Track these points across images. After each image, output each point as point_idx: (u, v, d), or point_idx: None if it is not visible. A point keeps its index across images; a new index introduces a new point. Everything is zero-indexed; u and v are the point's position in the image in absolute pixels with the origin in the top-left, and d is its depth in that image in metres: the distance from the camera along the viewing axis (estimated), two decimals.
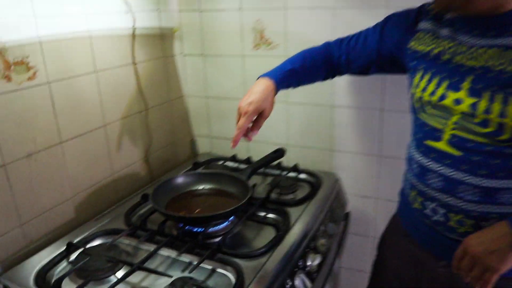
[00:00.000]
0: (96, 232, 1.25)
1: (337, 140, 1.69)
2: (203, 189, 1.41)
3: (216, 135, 1.90)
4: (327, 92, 1.63)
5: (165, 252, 1.16)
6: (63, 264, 1.12)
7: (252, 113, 1.06)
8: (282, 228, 1.21)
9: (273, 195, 1.46)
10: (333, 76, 1.27)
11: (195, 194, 1.38)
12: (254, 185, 1.46)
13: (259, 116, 1.09)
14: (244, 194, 1.27)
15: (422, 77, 1.01)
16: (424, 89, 0.99)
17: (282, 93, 1.71)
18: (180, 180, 1.39)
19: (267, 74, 1.15)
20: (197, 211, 1.27)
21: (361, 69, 1.21)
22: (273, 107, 1.12)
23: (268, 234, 1.22)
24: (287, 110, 1.74)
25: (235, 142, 1.06)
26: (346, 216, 1.60)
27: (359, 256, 1.76)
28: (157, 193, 1.29)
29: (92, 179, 1.45)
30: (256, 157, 1.57)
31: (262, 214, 1.36)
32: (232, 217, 1.28)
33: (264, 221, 1.26)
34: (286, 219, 1.28)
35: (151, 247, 1.17)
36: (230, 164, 1.75)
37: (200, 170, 1.68)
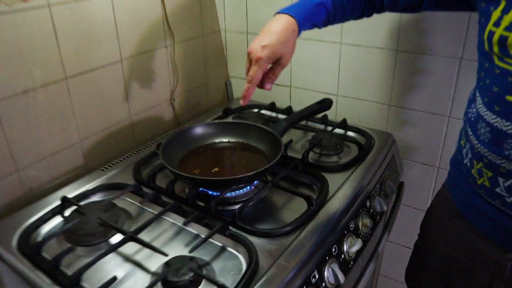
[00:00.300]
0: (97, 186, 1.07)
1: (397, 93, 1.37)
2: (228, 142, 1.18)
3: None
4: (389, 32, 1.30)
5: (170, 218, 0.97)
6: (56, 221, 0.96)
7: (266, 60, 0.85)
8: (316, 202, 0.96)
9: (312, 156, 1.21)
10: (370, 14, 1.02)
11: (217, 148, 1.16)
12: (290, 142, 1.21)
13: (276, 64, 0.89)
14: (275, 152, 1.03)
15: (507, 10, 0.68)
16: (510, 27, 0.68)
17: (333, 31, 1.38)
18: (199, 130, 1.16)
19: (288, 10, 0.90)
20: (214, 170, 1.05)
21: (411, 2, 0.95)
22: (293, 52, 0.91)
23: (299, 207, 0.98)
24: (338, 52, 1.42)
25: (246, 97, 0.88)
26: (400, 187, 1.32)
27: (409, 231, 1.49)
28: (170, 145, 1.08)
29: (104, 122, 1.26)
30: (298, 107, 1.30)
31: (294, 180, 1.12)
32: (255, 182, 1.05)
33: (295, 190, 1.01)
34: (323, 189, 1.03)
35: (156, 210, 0.98)
36: (266, 113, 1.50)
37: (229, 119, 1.45)
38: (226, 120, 1.22)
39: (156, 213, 0.95)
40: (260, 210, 1.01)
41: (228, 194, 1.01)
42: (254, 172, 0.94)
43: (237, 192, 1.02)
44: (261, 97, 1.63)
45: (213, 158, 1.11)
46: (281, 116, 1.44)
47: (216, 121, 1.22)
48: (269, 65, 0.88)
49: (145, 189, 1.05)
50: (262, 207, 1.02)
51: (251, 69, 0.86)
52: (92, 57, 1.17)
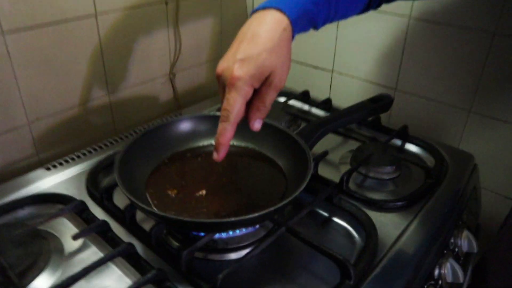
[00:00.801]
0: (29, 197, 0.72)
1: (484, 95, 0.95)
2: (230, 146, 0.80)
3: None
4: (488, 7, 0.87)
5: (120, 267, 0.61)
6: None
7: (248, 80, 0.55)
8: (356, 272, 0.57)
9: (355, 180, 0.81)
10: (378, 5, 0.73)
11: (211, 155, 0.78)
12: (324, 155, 0.82)
13: (264, 86, 0.57)
14: (298, 172, 0.67)
15: None
16: None
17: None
18: (189, 125, 0.78)
19: (275, 4, 0.58)
20: (200, 193, 0.68)
21: None
22: (289, 65, 0.60)
23: (324, 270, 0.60)
24: (405, 30, 1.00)
25: (221, 147, 0.59)
26: (477, 231, 0.91)
27: None
28: (142, 144, 0.71)
29: (67, 99, 0.91)
30: (340, 100, 0.91)
31: (324, 219, 0.73)
32: (262, 223, 0.66)
33: (323, 248, 0.62)
34: (368, 244, 0.64)
35: (104, 248, 0.62)
36: (296, 104, 1.11)
37: None
38: None
39: (101, 256, 0.59)
40: (264, 263, 0.63)
41: (217, 236, 0.64)
42: (258, 213, 0.56)
43: (231, 232, 0.64)
44: (290, 81, 1.23)
45: (203, 170, 0.73)
46: (316, 112, 1.05)
47: (218, 113, 0.82)
48: (253, 89, 0.57)
49: (96, 210, 0.70)
50: (267, 260, 0.64)
51: (226, 99, 0.56)
52: (47, 5, 0.80)
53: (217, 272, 0.56)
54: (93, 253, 0.64)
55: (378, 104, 0.86)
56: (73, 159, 0.85)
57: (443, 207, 0.76)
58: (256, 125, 0.60)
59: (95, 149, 0.89)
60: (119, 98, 1.01)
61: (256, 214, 0.56)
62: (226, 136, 0.57)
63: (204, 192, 0.67)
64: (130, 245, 0.60)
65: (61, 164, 0.83)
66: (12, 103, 0.81)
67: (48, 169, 0.81)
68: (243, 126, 0.79)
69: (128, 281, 0.59)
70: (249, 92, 0.55)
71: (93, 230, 0.63)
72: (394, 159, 0.85)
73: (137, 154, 0.70)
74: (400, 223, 0.70)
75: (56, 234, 0.67)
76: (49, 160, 0.87)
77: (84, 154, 0.87)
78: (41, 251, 0.61)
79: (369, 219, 0.68)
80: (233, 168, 0.74)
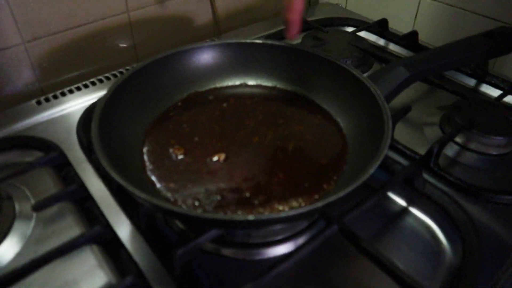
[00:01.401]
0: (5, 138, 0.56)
1: None
2: (264, 88, 0.57)
3: None
4: None
5: (91, 252, 0.43)
6: None
7: None
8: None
9: (449, 152, 0.56)
10: None
11: (237, 98, 0.56)
12: (406, 111, 0.57)
13: None
14: (365, 137, 0.46)
15: None
16: None
17: None
18: (214, 55, 0.56)
19: None
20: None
21: None
22: None
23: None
24: None
25: (290, 30, 0.47)
26: None
27: None
28: (142, 81, 0.50)
29: (74, 17, 0.71)
30: (429, 34, 0.63)
31: (396, 205, 0.50)
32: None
33: (389, 264, 0.40)
34: (469, 260, 0.40)
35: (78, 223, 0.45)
36: (369, 37, 0.83)
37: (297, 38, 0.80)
38: (272, 42, 0.58)
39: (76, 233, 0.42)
40: (301, 270, 0.43)
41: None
42: (297, 211, 0.34)
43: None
44: (363, 6, 0.94)
45: (227, 122, 0.52)
46: (395, 49, 0.78)
47: (254, 40, 0.57)
48: None
49: (86, 166, 0.51)
50: (306, 265, 0.43)
51: None
52: None
53: (229, 279, 0.37)
54: (68, 226, 0.47)
55: (498, 41, 0.57)
56: (73, 91, 0.67)
57: None
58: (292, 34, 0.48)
59: (108, 78, 0.70)
60: (142, 17, 0.79)
61: (294, 212, 0.34)
62: (296, 9, 0.47)
63: (222, 156, 0.46)
64: (107, 229, 0.41)
65: (56, 97, 0.65)
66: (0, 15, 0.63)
67: (39, 103, 0.64)
68: (290, 60, 0.56)
69: (102, 276, 0.41)
70: None
71: (62, 198, 0.45)
72: (508, 125, 0.58)
73: (136, 92, 0.49)
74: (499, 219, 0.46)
75: (27, 193, 0.51)
76: (52, 90, 0.69)
77: (93, 84, 0.69)
78: None
79: (469, 220, 0.45)
80: (270, 122, 0.52)
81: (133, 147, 0.47)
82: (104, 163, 0.37)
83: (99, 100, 0.44)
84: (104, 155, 0.38)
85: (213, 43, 0.55)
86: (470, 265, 0.41)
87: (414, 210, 0.49)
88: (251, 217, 0.33)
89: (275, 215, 0.33)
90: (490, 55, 0.58)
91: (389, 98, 0.50)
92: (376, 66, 0.75)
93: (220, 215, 0.37)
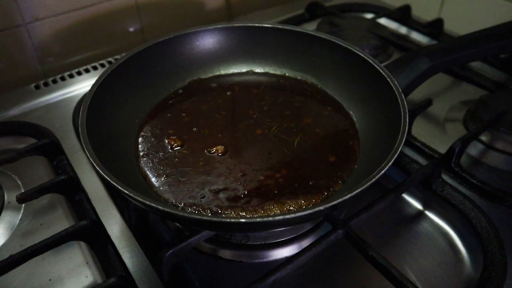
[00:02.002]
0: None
1: None
2: (272, 76, 0.53)
3: None
4: None
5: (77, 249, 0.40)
6: None
7: None
8: None
9: (472, 151, 0.51)
10: None
11: (241, 87, 0.52)
12: (427, 105, 0.52)
13: None
14: (379, 132, 0.42)
15: None
16: None
17: None
18: (219, 39, 0.52)
19: None
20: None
21: None
22: None
23: None
24: None
25: None
26: None
27: None
28: (139, 66, 0.47)
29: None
30: (456, 23, 0.59)
31: (412, 208, 0.45)
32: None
33: (399, 278, 0.36)
34: (491, 273, 0.36)
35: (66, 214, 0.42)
36: (390, 25, 0.78)
37: (311, 25, 0.76)
38: (282, 25, 0.53)
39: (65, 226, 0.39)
40: (303, 274, 0.39)
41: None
42: (302, 212, 0.30)
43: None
44: None
45: (230, 112, 0.48)
46: (418, 38, 0.73)
47: (263, 24, 0.52)
48: None
49: (80, 155, 0.49)
50: (310, 269, 0.40)
51: None
52: None
53: (225, 283, 0.34)
54: (57, 219, 0.44)
55: None
56: (73, 75, 0.64)
57: None
58: None
59: (110, 63, 0.67)
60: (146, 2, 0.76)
61: (298, 214, 0.30)
62: None
63: (221, 149, 0.43)
64: (95, 224, 0.38)
65: (55, 82, 0.62)
66: None
67: (37, 87, 0.61)
68: (301, 49, 0.52)
69: (88, 275, 0.39)
70: None
71: (49, 189, 0.42)
72: None
73: (132, 78, 0.46)
74: None
75: (18, 181, 0.48)
76: (55, 74, 0.67)
77: (95, 68, 0.66)
78: None
79: (492, 228, 0.40)
80: (276, 113, 0.48)
81: (127, 137, 0.43)
82: (89, 152, 0.34)
83: (91, 86, 0.41)
84: (90, 144, 0.35)
85: (218, 25, 0.51)
86: (492, 280, 0.36)
87: (430, 215, 0.45)
88: (242, 220, 0.30)
89: (269, 219, 0.30)
90: None
91: (407, 90, 0.45)
92: (395, 56, 0.70)
93: (207, 216, 0.33)
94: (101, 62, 0.67)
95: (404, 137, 0.36)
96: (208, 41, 0.51)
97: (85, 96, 0.40)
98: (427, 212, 0.45)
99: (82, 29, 0.71)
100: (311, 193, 0.38)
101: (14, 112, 0.57)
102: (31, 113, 0.56)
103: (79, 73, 0.65)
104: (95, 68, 0.66)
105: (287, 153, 0.43)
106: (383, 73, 0.43)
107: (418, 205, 0.46)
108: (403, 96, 0.40)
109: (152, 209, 0.30)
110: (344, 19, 0.76)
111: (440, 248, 0.42)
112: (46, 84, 0.62)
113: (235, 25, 0.52)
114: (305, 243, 0.41)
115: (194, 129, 0.45)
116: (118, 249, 0.39)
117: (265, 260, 0.40)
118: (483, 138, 0.52)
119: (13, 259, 0.35)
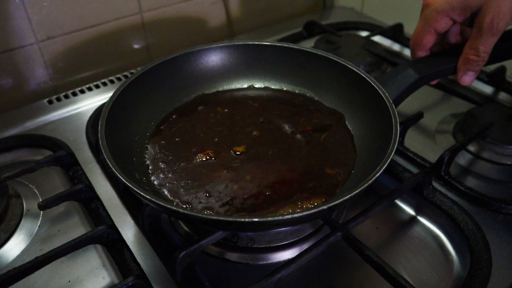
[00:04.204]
0: (13, 137, 0.57)
1: None
2: (272, 91, 0.57)
3: None
4: None
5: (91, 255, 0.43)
6: None
7: (438, 11, 0.47)
8: None
9: (461, 161, 0.55)
10: None
11: (243, 101, 0.56)
12: (418, 118, 0.56)
13: (476, 27, 0.45)
14: (373, 141, 0.46)
15: None
16: None
17: None
18: (223, 56, 0.56)
19: None
20: (204, 158, 0.46)
21: None
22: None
23: None
24: None
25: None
26: None
27: None
28: (149, 82, 0.50)
29: (87, 16, 0.71)
30: None
31: (405, 214, 0.49)
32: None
33: (396, 277, 0.39)
34: (478, 273, 0.39)
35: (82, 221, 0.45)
36: (383, 42, 0.83)
37: (310, 42, 0.80)
38: (280, 43, 0.57)
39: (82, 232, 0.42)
40: (304, 275, 0.42)
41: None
42: (301, 213, 0.34)
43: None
44: (378, 10, 0.93)
45: (227, 126, 0.51)
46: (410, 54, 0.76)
47: (262, 42, 0.56)
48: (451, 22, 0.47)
49: (94, 166, 0.52)
50: (310, 271, 0.43)
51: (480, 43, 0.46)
52: None
53: (232, 283, 0.38)
54: (74, 225, 0.47)
55: (511, 43, 0.55)
56: (84, 91, 0.67)
57: None
58: (465, 78, 0.48)
59: (119, 79, 0.71)
60: (155, 18, 0.80)
61: (297, 215, 0.34)
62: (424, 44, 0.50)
63: (241, 148, 0.46)
64: (111, 229, 0.42)
65: (67, 97, 0.66)
66: (15, 14, 0.64)
67: (50, 102, 0.64)
68: (299, 62, 0.55)
69: (105, 276, 0.41)
70: (440, 22, 0.47)
71: (68, 197, 0.45)
72: None
73: (143, 93, 0.49)
74: None
75: (35, 191, 0.51)
76: (65, 89, 0.70)
77: (105, 84, 0.69)
78: (4, 213, 0.46)
79: (479, 231, 0.43)
80: (276, 125, 0.51)
81: (138, 146, 0.47)
82: (111, 162, 0.37)
83: (107, 101, 0.44)
84: (111, 154, 0.38)
85: (220, 44, 0.55)
86: (478, 277, 0.39)
87: (422, 219, 0.48)
88: (255, 219, 0.33)
89: (279, 217, 0.33)
90: (502, 57, 0.57)
91: (397, 100, 0.49)
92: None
93: (224, 217, 0.37)
94: (110, 78, 0.71)
95: (396, 143, 0.39)
96: (211, 59, 0.55)
97: (102, 111, 0.43)
98: (419, 217, 0.48)
99: (91, 46, 0.74)
100: (310, 199, 0.41)
101: (29, 125, 0.60)
102: (45, 126, 0.60)
103: (89, 89, 0.68)
104: (104, 84, 0.69)
105: (288, 160, 0.46)
106: (375, 86, 0.46)
107: (410, 211, 0.49)
108: (393, 106, 0.44)
109: (171, 211, 0.34)
110: (340, 37, 0.80)
111: (431, 249, 0.45)
112: (58, 99, 0.65)
113: (237, 43, 0.56)
114: (306, 246, 0.44)
115: (204, 135, 0.49)
116: (133, 253, 0.42)
117: (269, 262, 0.43)
118: (471, 148, 0.56)
119: (39, 260, 0.38)
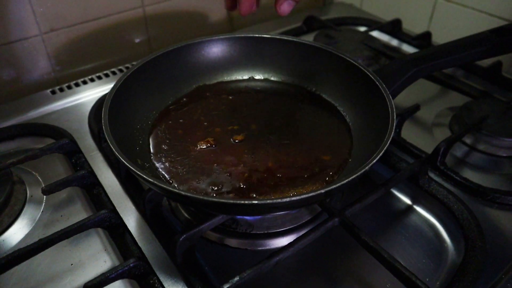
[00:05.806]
0: (15, 126, 0.57)
1: None
2: (271, 82, 0.58)
3: None
4: None
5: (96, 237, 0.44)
6: None
7: None
8: None
9: (457, 152, 0.56)
10: None
11: (241, 94, 0.57)
12: (415, 110, 0.57)
13: None
14: (370, 131, 0.46)
15: None
16: None
17: None
18: (223, 48, 0.57)
19: None
20: (204, 145, 0.47)
21: None
22: None
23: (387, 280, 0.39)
24: None
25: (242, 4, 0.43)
26: None
27: None
28: (150, 73, 0.51)
29: (90, 10, 0.72)
30: (443, 36, 0.65)
31: (401, 203, 0.50)
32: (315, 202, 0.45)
33: (395, 264, 0.40)
34: (472, 259, 0.40)
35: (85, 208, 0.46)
36: (381, 37, 0.84)
37: (309, 36, 0.81)
38: (280, 36, 0.57)
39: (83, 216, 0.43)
40: (302, 261, 0.43)
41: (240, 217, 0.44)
42: (299, 196, 0.34)
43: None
44: (376, 6, 0.94)
45: (232, 112, 0.52)
46: (408, 49, 0.77)
47: (263, 34, 0.57)
48: None
49: (96, 154, 0.53)
50: (307, 257, 0.44)
51: None
52: None
53: (231, 267, 0.38)
54: (76, 211, 0.48)
55: (506, 38, 0.56)
56: (86, 82, 0.68)
57: None
58: (284, 7, 0.45)
59: (121, 71, 0.72)
60: (157, 12, 0.80)
61: (295, 198, 0.35)
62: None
63: (240, 137, 0.47)
64: (113, 213, 0.42)
65: (70, 88, 0.67)
66: (20, 6, 0.65)
67: (53, 92, 0.65)
68: (298, 55, 0.56)
69: (107, 260, 0.42)
70: None
71: (71, 183, 0.46)
72: None
73: (145, 83, 0.50)
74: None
75: (38, 178, 0.52)
76: (67, 80, 0.71)
77: (107, 75, 0.70)
78: (8, 199, 0.47)
79: (473, 219, 0.44)
80: (276, 116, 0.52)
81: (141, 135, 0.48)
82: (114, 147, 0.38)
83: (110, 90, 0.45)
84: (114, 140, 0.39)
85: (222, 36, 0.56)
86: (472, 264, 0.40)
87: (418, 208, 0.49)
88: (255, 201, 0.34)
89: (277, 200, 0.34)
90: (497, 51, 0.58)
91: (394, 92, 0.50)
92: None
93: (224, 199, 0.38)
94: (112, 70, 0.72)
95: (393, 131, 0.40)
96: (212, 50, 0.56)
97: (104, 100, 0.44)
98: (415, 206, 0.49)
99: (94, 39, 0.75)
100: (309, 184, 0.42)
101: (32, 115, 0.61)
102: (48, 116, 0.61)
103: (91, 80, 0.69)
104: (106, 75, 0.70)
105: (286, 152, 0.47)
106: (373, 78, 0.47)
107: (407, 200, 0.50)
108: (391, 97, 0.45)
109: (172, 194, 0.35)
110: (339, 31, 0.81)
111: (427, 238, 0.46)
112: (61, 90, 0.66)
113: (238, 35, 0.57)
114: (303, 232, 0.45)
115: (205, 123, 0.50)
116: (134, 237, 0.43)
117: (267, 247, 0.44)
118: (467, 140, 0.57)
119: (43, 242, 0.39)
